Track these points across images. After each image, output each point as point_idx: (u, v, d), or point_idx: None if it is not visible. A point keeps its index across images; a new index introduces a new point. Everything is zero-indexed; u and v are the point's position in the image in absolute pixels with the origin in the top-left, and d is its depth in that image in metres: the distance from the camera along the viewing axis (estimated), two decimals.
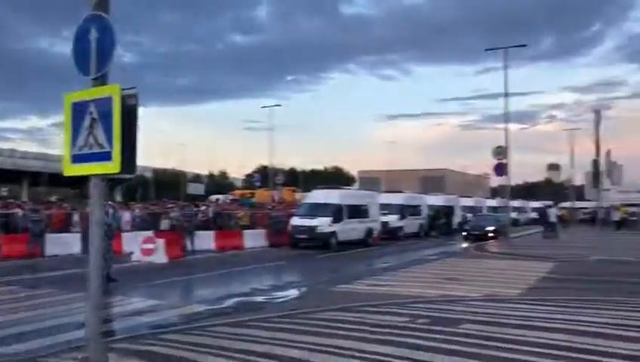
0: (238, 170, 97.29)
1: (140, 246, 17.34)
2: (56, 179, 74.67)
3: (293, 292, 12.47)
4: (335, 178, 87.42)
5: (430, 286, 12.29)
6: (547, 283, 12.82)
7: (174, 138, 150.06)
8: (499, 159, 26.18)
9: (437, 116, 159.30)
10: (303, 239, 22.72)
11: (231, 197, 44.07)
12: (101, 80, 5.73)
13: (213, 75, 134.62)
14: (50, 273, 14.78)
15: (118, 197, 77.25)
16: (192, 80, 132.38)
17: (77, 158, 5.81)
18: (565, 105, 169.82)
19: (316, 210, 23.25)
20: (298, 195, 47.55)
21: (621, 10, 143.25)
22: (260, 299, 11.34)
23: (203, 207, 26.85)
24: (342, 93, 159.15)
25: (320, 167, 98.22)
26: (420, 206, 32.60)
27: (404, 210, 30.28)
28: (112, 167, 5.54)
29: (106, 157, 5.53)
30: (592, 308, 9.25)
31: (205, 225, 23.32)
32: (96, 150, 5.62)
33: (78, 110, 5.79)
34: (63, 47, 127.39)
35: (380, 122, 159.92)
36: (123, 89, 5.52)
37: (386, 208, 28.29)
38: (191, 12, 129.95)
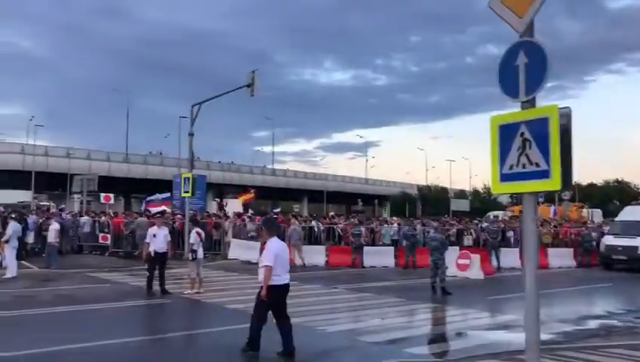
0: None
1: (456, 261, 17.78)
2: (330, 197, 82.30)
3: None
4: (618, 192, 78.61)
5: None
6: None
7: (422, 155, 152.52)
8: None
9: None
10: (620, 260, 20.76)
11: (510, 213, 42.67)
12: (530, 103, 6.01)
13: (463, 89, 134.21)
14: (380, 283, 16.06)
15: (385, 213, 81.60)
16: (443, 96, 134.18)
17: (506, 177, 6.12)
18: None
19: (635, 229, 21.04)
20: (585, 212, 43.91)
21: None
22: (620, 323, 10.62)
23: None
24: (608, 97, 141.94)
25: (598, 180, 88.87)
26: None
27: None
28: (551, 184, 5.71)
29: (542, 175, 5.71)
30: None
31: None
32: (529, 169, 5.84)
33: (506, 132, 6.12)
34: (325, 77, 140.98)
35: None
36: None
37: None
38: (436, 31, 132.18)
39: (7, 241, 16.02)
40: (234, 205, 42.75)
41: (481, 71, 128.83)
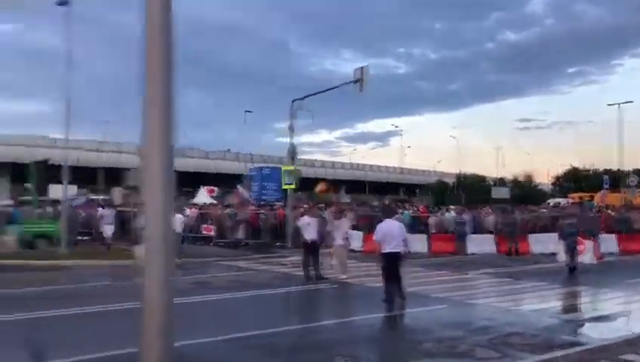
0: (534, 171, 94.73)
1: None
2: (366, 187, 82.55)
3: None
4: None
5: None
6: None
7: (453, 143, 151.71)
8: None
9: None
10: None
11: (571, 200, 42.79)
12: None
13: (484, 76, 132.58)
14: (500, 268, 16.55)
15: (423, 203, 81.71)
16: (464, 83, 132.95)
17: None
18: None
19: None
20: None
21: None
22: None
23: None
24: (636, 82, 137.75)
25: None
26: None
27: None
28: None
29: None
30: None
31: None
32: None
33: None
34: (345, 67, 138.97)
35: None
36: None
37: None
38: (457, 17, 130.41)
39: None
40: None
41: (501, 58, 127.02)
